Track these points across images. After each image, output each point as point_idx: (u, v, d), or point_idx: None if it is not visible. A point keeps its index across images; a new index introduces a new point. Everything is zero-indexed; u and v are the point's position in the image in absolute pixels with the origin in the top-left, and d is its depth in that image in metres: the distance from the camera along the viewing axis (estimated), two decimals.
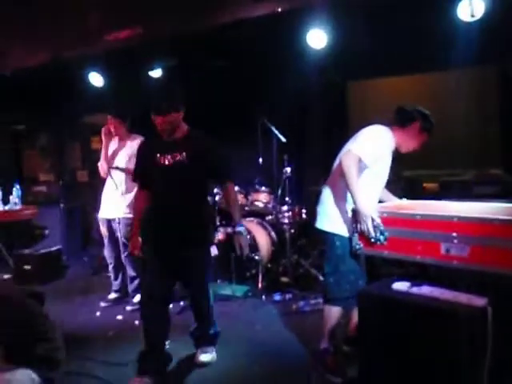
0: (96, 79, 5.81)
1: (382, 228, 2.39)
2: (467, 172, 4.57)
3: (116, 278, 4.23)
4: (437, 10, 4.10)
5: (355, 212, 2.50)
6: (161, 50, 4.80)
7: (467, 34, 4.02)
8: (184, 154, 2.69)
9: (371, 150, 2.56)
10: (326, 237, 2.74)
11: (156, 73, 5.60)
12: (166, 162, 2.70)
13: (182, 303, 3.91)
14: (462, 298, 2.03)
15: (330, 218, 2.73)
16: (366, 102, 5.87)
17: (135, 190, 3.16)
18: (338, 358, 2.80)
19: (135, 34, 4.49)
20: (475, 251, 2.12)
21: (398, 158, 2.80)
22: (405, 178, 4.54)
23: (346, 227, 2.66)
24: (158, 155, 2.72)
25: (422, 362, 2.06)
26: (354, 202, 2.48)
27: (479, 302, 1.98)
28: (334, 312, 2.76)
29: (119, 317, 3.89)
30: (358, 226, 2.46)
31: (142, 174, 2.87)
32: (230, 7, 3.71)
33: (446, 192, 3.78)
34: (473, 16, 3.73)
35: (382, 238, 2.40)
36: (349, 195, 2.56)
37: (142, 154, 2.90)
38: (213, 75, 5.15)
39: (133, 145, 3.84)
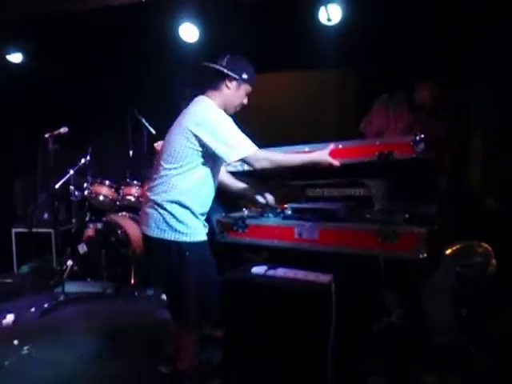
0: None
1: None
2: None
3: None
4: (301, 11, 4.34)
5: None
6: (18, 32, 4.41)
7: (326, 36, 4.34)
8: None
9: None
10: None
11: (15, 57, 5.17)
12: None
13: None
14: (311, 276, 2.22)
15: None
16: None
17: None
18: None
19: None
20: (323, 234, 2.34)
21: None
22: None
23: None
24: None
25: (281, 339, 2.20)
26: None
27: (325, 278, 2.18)
28: None
29: None
30: None
31: None
32: None
33: None
34: (329, 20, 4.03)
35: None
36: None
37: None
38: (80, 62, 4.89)
39: None
